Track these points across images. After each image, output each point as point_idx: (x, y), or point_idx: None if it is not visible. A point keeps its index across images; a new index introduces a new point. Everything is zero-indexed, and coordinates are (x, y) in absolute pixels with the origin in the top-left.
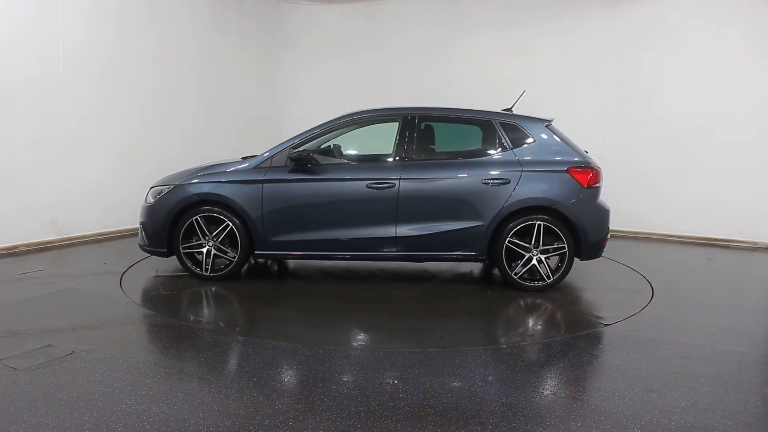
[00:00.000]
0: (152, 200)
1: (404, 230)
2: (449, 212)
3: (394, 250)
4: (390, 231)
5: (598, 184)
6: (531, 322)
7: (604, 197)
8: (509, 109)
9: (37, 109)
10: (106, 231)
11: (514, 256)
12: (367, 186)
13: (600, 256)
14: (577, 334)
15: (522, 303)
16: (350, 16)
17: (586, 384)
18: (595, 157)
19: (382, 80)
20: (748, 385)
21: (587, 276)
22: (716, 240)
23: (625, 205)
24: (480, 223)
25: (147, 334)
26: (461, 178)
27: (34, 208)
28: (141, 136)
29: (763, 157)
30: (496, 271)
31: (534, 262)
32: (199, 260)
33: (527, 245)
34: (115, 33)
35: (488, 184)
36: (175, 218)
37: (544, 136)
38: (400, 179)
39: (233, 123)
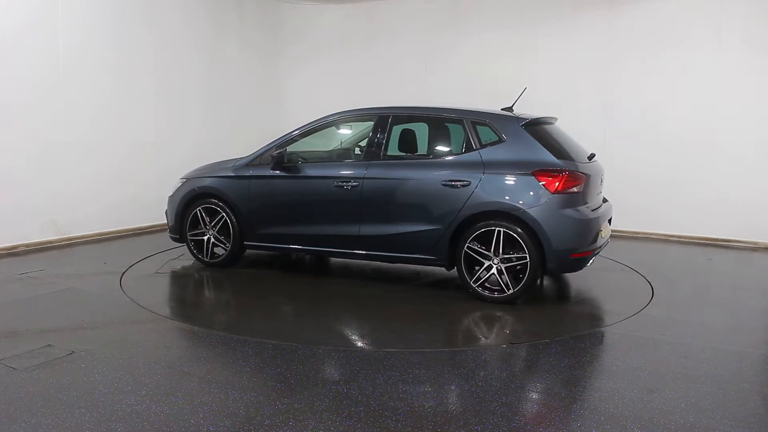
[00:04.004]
0: (172, 191)
1: (367, 229)
2: (408, 213)
3: (359, 249)
4: (354, 230)
5: (571, 190)
6: (531, 322)
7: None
8: (510, 108)
9: (37, 109)
10: (106, 231)
11: (476, 264)
12: (335, 185)
13: (577, 270)
14: (577, 334)
15: (521, 302)
16: (350, 16)
17: (586, 384)
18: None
19: (382, 80)
20: (748, 385)
21: (587, 276)
22: (716, 240)
23: (625, 205)
24: (438, 227)
25: (147, 333)
26: (421, 179)
27: (34, 209)
28: (141, 136)
29: (763, 157)
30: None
31: (493, 271)
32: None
33: (489, 253)
34: (114, 34)
35: (448, 185)
36: (184, 208)
37: (516, 136)
38: (364, 178)
39: (234, 122)
